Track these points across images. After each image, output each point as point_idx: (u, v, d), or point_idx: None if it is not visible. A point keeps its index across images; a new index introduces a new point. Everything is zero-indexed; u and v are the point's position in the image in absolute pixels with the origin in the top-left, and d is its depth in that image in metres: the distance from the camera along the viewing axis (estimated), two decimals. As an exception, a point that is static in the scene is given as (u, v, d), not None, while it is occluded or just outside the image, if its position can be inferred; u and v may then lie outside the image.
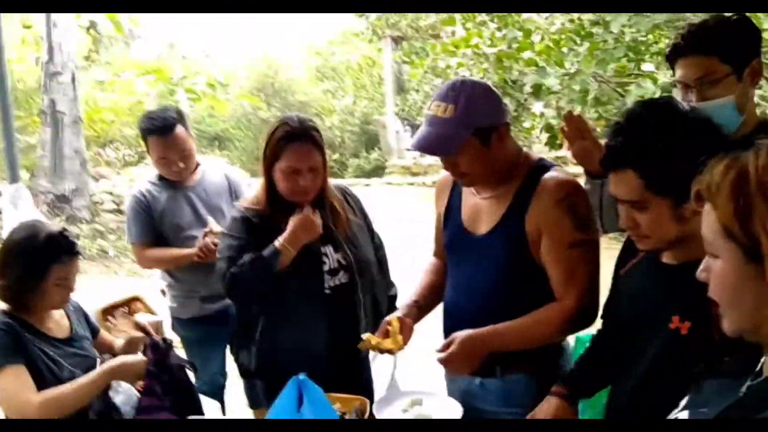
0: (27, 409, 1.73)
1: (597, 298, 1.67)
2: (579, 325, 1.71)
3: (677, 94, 1.73)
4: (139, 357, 1.90)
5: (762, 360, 0.86)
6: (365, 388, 2.10)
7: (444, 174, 1.88)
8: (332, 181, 2.22)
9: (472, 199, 1.80)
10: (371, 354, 2.16)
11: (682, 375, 1.06)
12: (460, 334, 1.66)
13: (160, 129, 2.58)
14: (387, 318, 1.86)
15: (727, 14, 1.68)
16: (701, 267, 0.88)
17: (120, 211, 8.23)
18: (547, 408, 1.54)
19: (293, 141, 1.98)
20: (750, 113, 1.65)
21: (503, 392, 1.77)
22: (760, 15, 3.06)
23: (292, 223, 1.99)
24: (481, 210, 1.77)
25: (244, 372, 2.27)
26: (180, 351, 2.92)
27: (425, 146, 1.69)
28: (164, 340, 1.97)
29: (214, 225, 2.63)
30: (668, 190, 1.22)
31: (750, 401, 0.82)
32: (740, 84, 1.61)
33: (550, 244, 1.64)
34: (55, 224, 1.94)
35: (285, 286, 2.07)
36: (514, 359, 1.74)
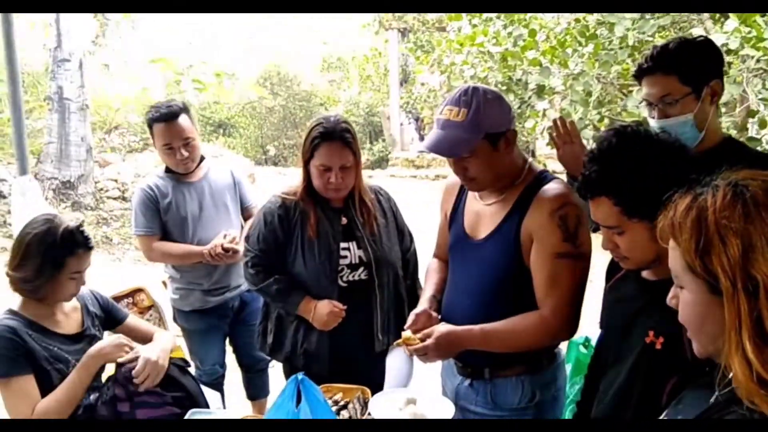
0: None
1: (577, 310, 1.69)
2: (556, 336, 1.74)
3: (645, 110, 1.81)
4: (107, 339, 1.94)
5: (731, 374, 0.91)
6: (375, 381, 2.15)
7: (452, 176, 1.92)
8: (368, 181, 2.35)
9: (475, 205, 1.86)
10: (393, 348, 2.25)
11: (655, 387, 1.12)
12: (439, 329, 1.71)
13: (165, 116, 2.65)
14: (415, 311, 1.88)
15: (690, 37, 1.75)
16: (671, 294, 0.94)
17: (124, 198, 8.26)
18: None
19: (326, 140, 2.12)
20: (711, 129, 1.74)
21: (490, 394, 1.82)
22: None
23: (319, 309, 2.16)
24: (482, 216, 1.82)
25: (262, 348, 2.39)
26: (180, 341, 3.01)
27: (438, 148, 1.71)
28: None
29: (234, 232, 2.72)
30: (643, 214, 1.26)
31: (715, 409, 0.88)
32: (699, 103, 1.70)
33: (537, 251, 1.69)
34: (71, 218, 2.01)
35: (302, 277, 2.20)
36: (504, 362, 1.78)
